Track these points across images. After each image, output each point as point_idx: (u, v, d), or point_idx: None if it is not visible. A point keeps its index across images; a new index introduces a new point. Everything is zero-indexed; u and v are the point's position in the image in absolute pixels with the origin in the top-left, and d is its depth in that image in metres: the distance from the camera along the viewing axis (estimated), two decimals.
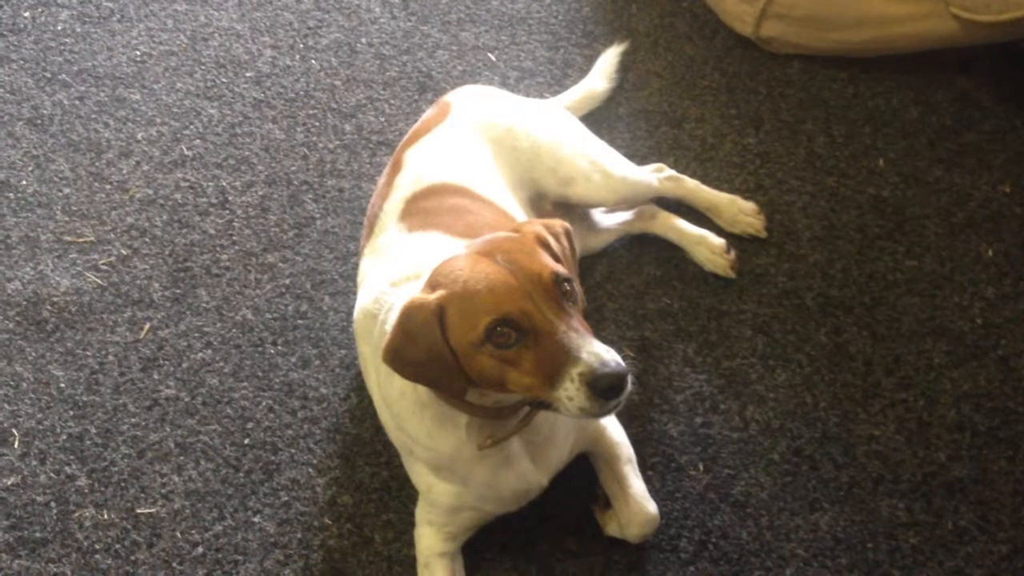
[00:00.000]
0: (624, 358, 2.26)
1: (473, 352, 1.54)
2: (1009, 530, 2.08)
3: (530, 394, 1.56)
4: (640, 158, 2.54)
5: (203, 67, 2.92)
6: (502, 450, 1.78)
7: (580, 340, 1.52)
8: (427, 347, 1.56)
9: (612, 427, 2.04)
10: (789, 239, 2.49)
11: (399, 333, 1.58)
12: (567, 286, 1.57)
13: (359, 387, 2.28)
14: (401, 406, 1.80)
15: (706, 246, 2.41)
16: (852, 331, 2.34)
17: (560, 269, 1.58)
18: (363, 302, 1.95)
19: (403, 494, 2.14)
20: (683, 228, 2.44)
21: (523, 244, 1.61)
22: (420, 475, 1.90)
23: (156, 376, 2.33)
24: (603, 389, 1.49)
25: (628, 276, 2.44)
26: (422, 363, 1.58)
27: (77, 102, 2.83)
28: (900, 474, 2.15)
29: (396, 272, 1.87)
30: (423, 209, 1.99)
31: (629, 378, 1.52)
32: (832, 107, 2.74)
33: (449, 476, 1.83)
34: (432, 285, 1.59)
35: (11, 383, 2.33)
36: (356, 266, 2.22)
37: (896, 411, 2.23)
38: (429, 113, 2.27)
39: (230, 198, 2.62)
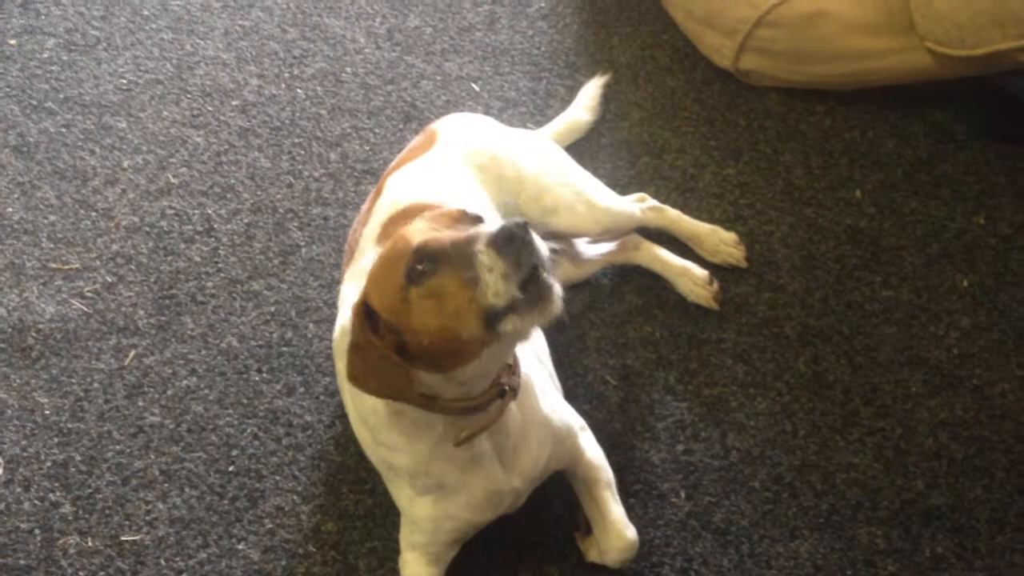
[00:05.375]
0: (605, 385, 2.31)
1: (405, 307, 1.55)
2: (985, 557, 2.11)
3: (468, 316, 1.53)
4: (621, 188, 2.57)
5: (189, 96, 2.94)
6: (471, 448, 1.78)
7: (478, 229, 1.55)
8: (369, 350, 1.58)
9: (591, 450, 2.05)
10: (768, 269, 2.52)
11: (351, 348, 1.61)
12: (477, 221, 1.61)
13: (344, 414, 2.29)
14: (377, 418, 1.82)
15: (689, 277, 2.44)
16: (831, 360, 2.37)
17: (466, 208, 1.65)
18: (341, 322, 1.99)
19: (387, 522, 2.16)
20: (666, 259, 2.47)
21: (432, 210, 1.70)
22: (401, 490, 1.90)
23: (141, 403, 2.34)
24: (506, 240, 1.50)
25: (610, 305, 2.46)
26: (373, 370, 1.60)
27: (63, 130, 2.85)
28: (878, 502, 2.18)
29: None
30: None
31: (529, 228, 1.52)
32: (810, 139, 2.78)
33: (426, 483, 1.83)
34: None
35: None
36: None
37: (874, 439, 2.26)
38: (416, 140, 2.29)
39: (215, 226, 2.64)
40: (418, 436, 1.78)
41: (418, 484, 1.85)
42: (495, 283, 1.51)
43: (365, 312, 1.59)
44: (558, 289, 1.55)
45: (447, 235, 1.57)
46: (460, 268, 1.53)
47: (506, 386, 1.73)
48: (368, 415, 1.84)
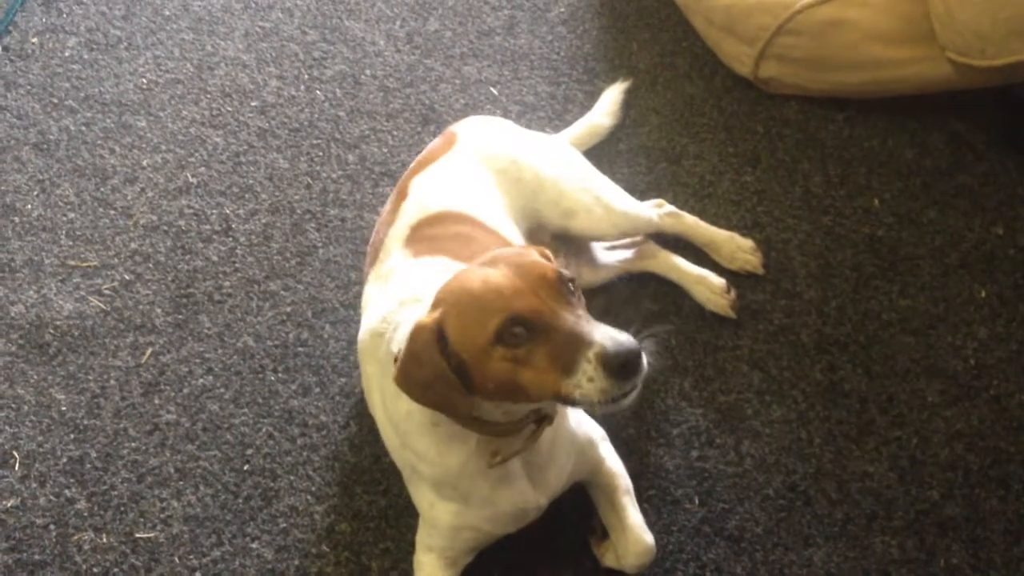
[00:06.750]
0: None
1: (484, 357, 1.54)
2: (1000, 569, 2.10)
3: (545, 391, 1.55)
4: (639, 193, 2.57)
5: (209, 96, 2.95)
6: (503, 467, 1.79)
7: (591, 326, 1.53)
8: (431, 368, 1.57)
9: (610, 458, 2.06)
10: (785, 276, 2.52)
11: (407, 355, 1.60)
12: (571, 285, 1.60)
13: (358, 415, 2.30)
14: (409, 425, 1.81)
15: (706, 286, 2.44)
16: (847, 369, 2.37)
17: (563, 269, 1.61)
18: (369, 322, 1.96)
19: (400, 523, 2.16)
20: (683, 268, 2.47)
21: (525, 253, 1.65)
22: (422, 494, 1.90)
23: (157, 401, 2.35)
24: (619, 366, 1.49)
25: (626, 310, 2.46)
26: (428, 384, 1.59)
27: (83, 128, 2.86)
28: (893, 511, 2.17)
29: (404, 292, 1.88)
30: (428, 236, 2.01)
31: (644, 356, 1.52)
32: (828, 147, 2.78)
33: (451, 493, 1.84)
34: (435, 304, 1.61)
35: (13, 406, 2.34)
36: (357, 295, 2.24)
37: (890, 449, 2.25)
38: (436, 143, 2.30)
39: (233, 226, 2.65)
40: (450, 449, 1.77)
41: (443, 491, 1.86)
42: (589, 389, 1.52)
43: (439, 335, 1.57)
44: (641, 379, 1.55)
45: (550, 308, 1.54)
46: (557, 353, 1.52)
47: (544, 412, 1.74)
48: (401, 420, 1.83)
